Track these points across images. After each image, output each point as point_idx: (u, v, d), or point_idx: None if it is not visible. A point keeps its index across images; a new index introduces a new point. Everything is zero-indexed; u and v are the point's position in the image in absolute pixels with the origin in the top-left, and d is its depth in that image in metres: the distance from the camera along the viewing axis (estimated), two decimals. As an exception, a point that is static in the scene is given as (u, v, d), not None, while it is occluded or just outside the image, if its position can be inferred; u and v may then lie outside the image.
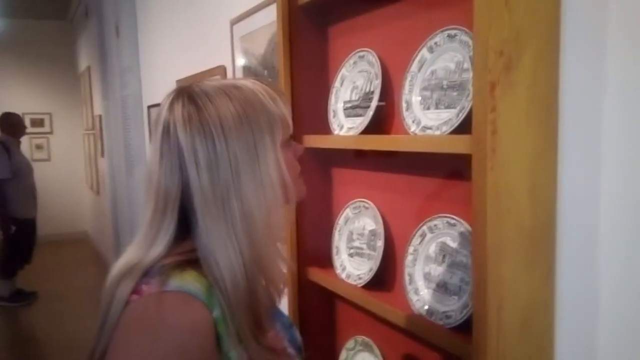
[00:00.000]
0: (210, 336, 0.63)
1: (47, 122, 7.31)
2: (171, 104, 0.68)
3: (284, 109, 0.72)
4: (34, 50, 7.05)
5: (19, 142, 4.69)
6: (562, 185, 0.77)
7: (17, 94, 6.94)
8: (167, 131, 0.67)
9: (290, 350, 0.78)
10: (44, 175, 7.00)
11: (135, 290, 0.64)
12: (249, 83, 0.71)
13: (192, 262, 0.66)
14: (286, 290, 1.28)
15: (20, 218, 4.55)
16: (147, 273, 0.66)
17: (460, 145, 0.77)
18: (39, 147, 7.27)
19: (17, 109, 5.24)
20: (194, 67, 2.34)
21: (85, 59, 6.38)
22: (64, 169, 7.37)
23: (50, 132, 7.35)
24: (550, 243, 0.78)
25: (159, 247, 0.67)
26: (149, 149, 0.69)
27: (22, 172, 4.55)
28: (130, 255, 0.69)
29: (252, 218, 0.67)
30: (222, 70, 1.99)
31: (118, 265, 0.68)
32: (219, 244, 0.65)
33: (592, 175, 0.73)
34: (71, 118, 7.32)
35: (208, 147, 0.65)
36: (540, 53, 0.73)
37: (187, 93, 0.69)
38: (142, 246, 0.68)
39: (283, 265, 0.75)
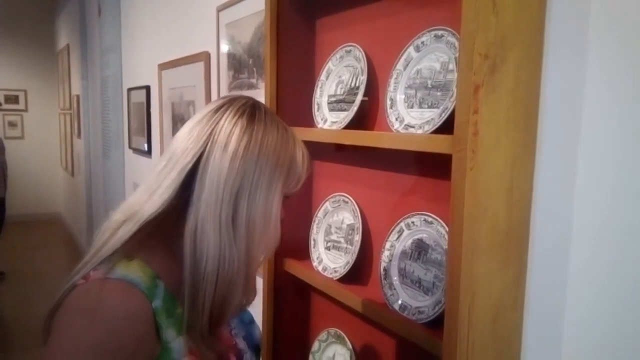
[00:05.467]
0: (145, 324, 0.65)
1: (21, 99, 7.12)
2: (231, 111, 0.72)
3: (304, 172, 0.78)
4: (11, 24, 6.84)
5: None
6: (538, 187, 0.79)
7: (-9, 68, 6.75)
8: (213, 112, 0.72)
9: (242, 347, 0.81)
10: (17, 153, 6.85)
11: (85, 276, 0.67)
12: (296, 136, 0.78)
13: (142, 251, 0.69)
14: (261, 280, 1.29)
15: (-11, 198, 4.46)
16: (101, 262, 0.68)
17: (441, 144, 0.78)
18: (12, 124, 7.08)
19: (-10, 84, 5.11)
20: (178, 51, 2.31)
21: (64, 37, 6.23)
22: (38, 148, 7.20)
23: (25, 110, 7.17)
24: (523, 243, 0.80)
25: (159, 200, 0.68)
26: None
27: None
28: (132, 200, 0.71)
29: (254, 225, 0.71)
30: (206, 56, 1.97)
31: (120, 210, 0.71)
32: (211, 222, 0.68)
33: (568, 179, 0.75)
34: (47, 96, 7.15)
35: (241, 141, 0.69)
36: (524, 58, 0.75)
37: (252, 105, 0.74)
38: (144, 194, 0.70)
39: (254, 284, 0.81)
